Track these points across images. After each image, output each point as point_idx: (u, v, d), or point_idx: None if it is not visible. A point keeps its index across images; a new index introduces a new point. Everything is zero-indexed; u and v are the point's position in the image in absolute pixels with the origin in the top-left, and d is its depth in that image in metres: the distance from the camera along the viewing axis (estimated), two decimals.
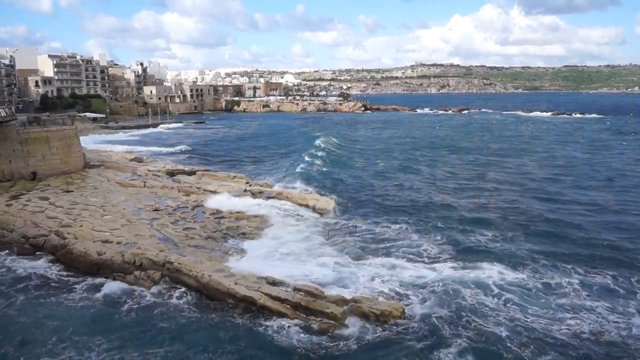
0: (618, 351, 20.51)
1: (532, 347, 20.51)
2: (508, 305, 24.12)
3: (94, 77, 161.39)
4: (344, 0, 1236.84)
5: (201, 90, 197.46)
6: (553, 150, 79.07)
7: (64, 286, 26.86)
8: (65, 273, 28.49)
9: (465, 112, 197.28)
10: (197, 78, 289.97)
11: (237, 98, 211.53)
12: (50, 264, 29.62)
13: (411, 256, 30.32)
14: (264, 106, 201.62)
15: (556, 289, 26.05)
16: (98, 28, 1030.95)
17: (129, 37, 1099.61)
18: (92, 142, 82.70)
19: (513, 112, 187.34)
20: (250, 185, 46.14)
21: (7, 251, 31.45)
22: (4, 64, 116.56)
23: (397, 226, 36.54)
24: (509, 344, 20.68)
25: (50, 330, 22.17)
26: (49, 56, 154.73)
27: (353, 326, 21.78)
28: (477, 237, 34.04)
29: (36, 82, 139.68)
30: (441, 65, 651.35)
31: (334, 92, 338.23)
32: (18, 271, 28.67)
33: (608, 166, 64.20)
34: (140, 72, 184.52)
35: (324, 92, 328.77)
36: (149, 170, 54.24)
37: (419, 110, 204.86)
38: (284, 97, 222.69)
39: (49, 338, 21.45)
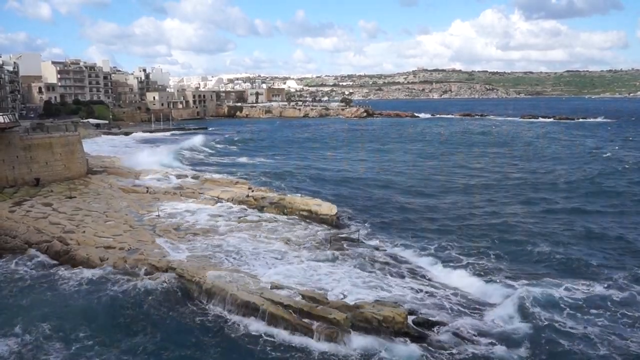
0: None
1: None
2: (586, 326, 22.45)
3: (97, 83, 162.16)
4: (343, 6, 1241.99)
5: (204, 96, 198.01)
6: (574, 155, 78.38)
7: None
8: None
9: (468, 117, 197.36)
10: (199, 84, 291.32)
11: (239, 104, 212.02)
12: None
13: (426, 266, 29.89)
14: (266, 112, 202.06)
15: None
16: (98, 35, 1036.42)
17: (130, 43, 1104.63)
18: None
19: (514, 119, 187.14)
20: (253, 191, 46.13)
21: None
22: (7, 70, 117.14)
23: (403, 232, 36.58)
24: None
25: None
26: (53, 63, 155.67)
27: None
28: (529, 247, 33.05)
29: (39, 88, 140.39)
30: (443, 70, 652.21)
31: (336, 98, 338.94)
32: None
33: None
34: (143, 78, 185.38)
35: (326, 98, 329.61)
36: (151, 176, 54.33)
37: (421, 115, 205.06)
38: (286, 103, 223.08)
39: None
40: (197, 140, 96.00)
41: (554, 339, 21.45)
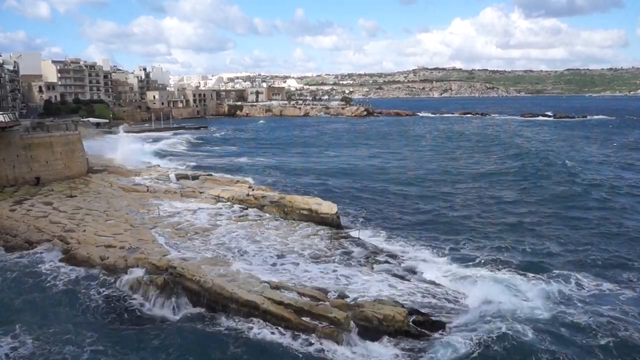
0: None
1: None
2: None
3: (97, 82, 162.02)
4: (343, 5, 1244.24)
5: (204, 95, 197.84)
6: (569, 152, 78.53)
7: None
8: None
9: (469, 116, 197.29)
10: (199, 83, 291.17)
11: (239, 103, 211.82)
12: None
13: (427, 265, 29.83)
14: (266, 111, 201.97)
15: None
16: (97, 34, 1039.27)
17: (130, 42, 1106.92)
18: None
19: (515, 117, 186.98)
20: (253, 190, 46.15)
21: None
22: (7, 69, 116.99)
23: (404, 230, 36.67)
24: None
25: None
26: (53, 62, 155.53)
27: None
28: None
29: (40, 87, 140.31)
30: (443, 69, 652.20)
31: (336, 97, 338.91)
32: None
33: None
34: (143, 77, 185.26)
35: (326, 97, 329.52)
36: (151, 175, 54.36)
37: (421, 114, 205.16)
38: (286, 102, 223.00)
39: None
40: (185, 139, 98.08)
41: (561, 336, 21.53)
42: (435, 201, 46.37)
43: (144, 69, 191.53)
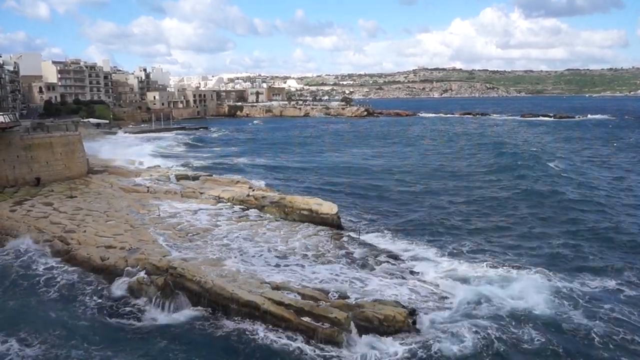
0: None
1: None
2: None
3: (98, 83, 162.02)
4: (343, 5, 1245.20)
5: (204, 95, 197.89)
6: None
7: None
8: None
9: (469, 116, 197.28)
10: (199, 83, 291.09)
11: (240, 103, 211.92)
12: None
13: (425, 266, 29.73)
14: (266, 111, 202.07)
15: None
16: (97, 34, 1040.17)
17: (130, 43, 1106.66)
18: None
19: (515, 117, 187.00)
20: (253, 190, 46.12)
21: None
22: (8, 70, 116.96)
23: (405, 230, 36.64)
24: None
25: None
26: (53, 62, 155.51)
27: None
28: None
29: (40, 88, 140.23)
30: (443, 69, 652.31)
31: (336, 97, 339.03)
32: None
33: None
34: (143, 78, 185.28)
35: (326, 97, 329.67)
36: (152, 175, 54.36)
37: (421, 114, 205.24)
38: (286, 102, 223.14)
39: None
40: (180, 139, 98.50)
41: (562, 335, 21.55)
42: (436, 201, 46.39)
43: (144, 70, 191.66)
